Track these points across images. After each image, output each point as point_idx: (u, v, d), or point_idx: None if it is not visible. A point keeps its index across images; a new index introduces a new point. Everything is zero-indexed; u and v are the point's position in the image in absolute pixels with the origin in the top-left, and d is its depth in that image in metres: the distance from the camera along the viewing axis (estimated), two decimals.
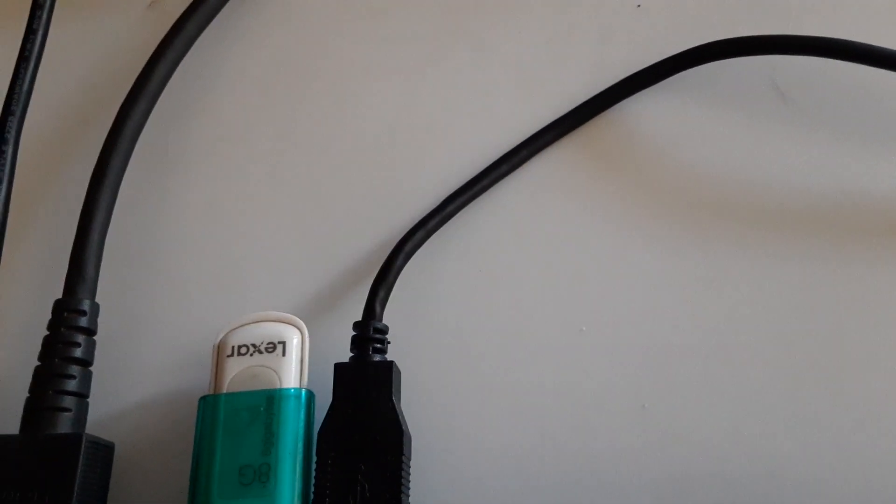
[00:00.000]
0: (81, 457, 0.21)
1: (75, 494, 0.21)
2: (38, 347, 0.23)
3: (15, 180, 0.25)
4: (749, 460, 0.23)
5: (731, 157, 0.27)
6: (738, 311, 0.25)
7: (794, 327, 0.24)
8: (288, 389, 0.22)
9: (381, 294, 0.24)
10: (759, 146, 0.27)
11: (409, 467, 0.22)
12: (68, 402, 0.22)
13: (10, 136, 0.25)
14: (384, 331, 0.24)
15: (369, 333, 0.24)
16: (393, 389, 0.23)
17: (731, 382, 0.24)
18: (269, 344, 0.23)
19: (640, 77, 0.27)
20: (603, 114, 0.27)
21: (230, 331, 0.23)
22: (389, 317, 0.24)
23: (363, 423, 0.22)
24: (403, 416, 0.23)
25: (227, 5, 0.29)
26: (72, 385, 0.23)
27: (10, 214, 0.24)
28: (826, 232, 0.25)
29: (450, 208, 0.26)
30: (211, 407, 0.22)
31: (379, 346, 0.24)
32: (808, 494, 0.23)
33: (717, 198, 0.26)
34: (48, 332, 0.23)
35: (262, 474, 0.21)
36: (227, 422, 0.22)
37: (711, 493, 0.23)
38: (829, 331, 0.24)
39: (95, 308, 0.24)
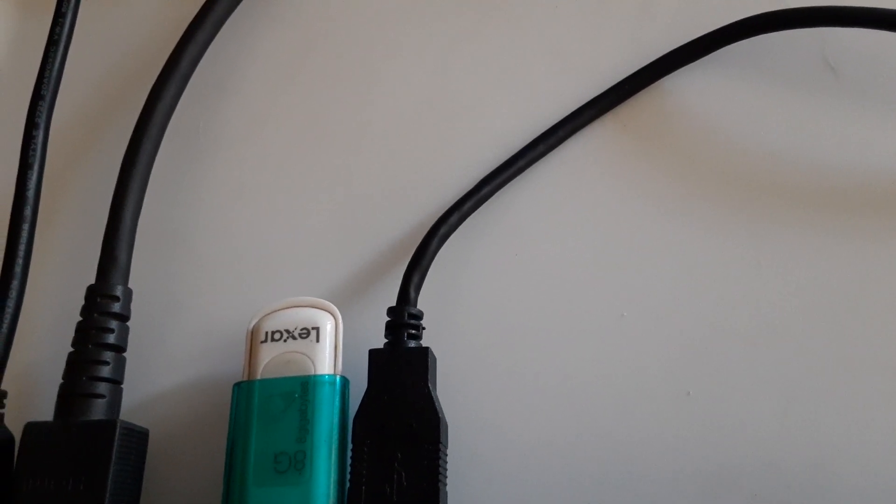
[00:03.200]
0: (116, 443, 0.21)
1: (110, 481, 0.21)
2: (71, 333, 0.23)
3: (46, 165, 0.25)
4: (798, 449, 0.22)
5: (780, 135, 0.25)
6: (786, 293, 0.24)
7: (845, 310, 0.23)
8: (322, 376, 0.22)
9: (416, 279, 0.24)
10: (809, 123, 0.25)
11: (446, 455, 0.22)
12: (102, 388, 0.22)
13: (41, 121, 0.25)
14: (419, 316, 0.24)
15: (404, 319, 0.23)
16: (429, 376, 0.22)
17: (779, 368, 0.23)
18: (302, 329, 0.22)
19: (683, 52, 0.26)
20: (644, 91, 0.26)
21: (263, 316, 0.23)
22: (423, 302, 0.24)
23: (399, 411, 0.22)
24: (440, 404, 0.22)
25: None
26: (106, 371, 0.22)
27: (41, 199, 0.24)
28: (879, 212, 0.24)
29: (485, 190, 0.25)
30: (245, 393, 0.22)
31: (414, 331, 0.23)
32: (858, 484, 0.22)
33: (764, 177, 0.25)
34: (81, 318, 0.23)
35: (297, 462, 0.21)
36: (262, 408, 0.22)
37: (759, 482, 0.22)
38: (882, 314, 0.23)
39: (128, 293, 0.24)
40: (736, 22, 0.26)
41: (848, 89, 0.26)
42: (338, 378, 0.22)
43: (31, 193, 0.24)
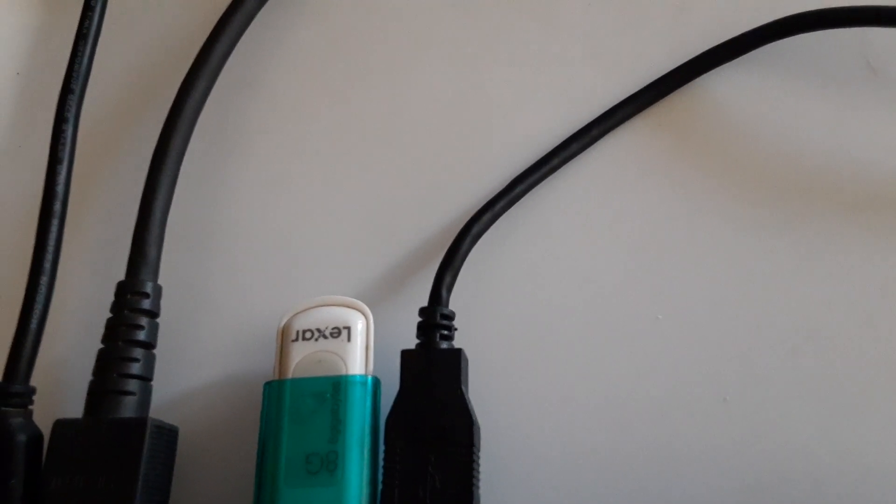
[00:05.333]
0: (146, 442, 0.21)
1: (140, 480, 0.21)
2: (100, 330, 0.23)
3: (75, 160, 0.24)
4: (840, 461, 0.22)
5: (820, 136, 0.25)
6: (828, 299, 0.23)
7: (889, 317, 0.23)
8: (354, 376, 0.22)
9: (448, 279, 0.24)
10: (850, 124, 0.25)
11: (479, 459, 0.22)
12: (132, 385, 0.22)
13: (70, 116, 0.25)
14: (451, 317, 0.23)
15: (436, 320, 0.23)
16: (462, 378, 0.22)
17: (820, 376, 0.23)
18: (333, 329, 0.22)
19: (721, 50, 0.26)
20: (681, 89, 0.26)
21: (294, 315, 0.23)
22: (454, 302, 0.23)
23: (432, 413, 0.21)
24: (472, 406, 0.22)
25: None
26: (136, 368, 0.22)
27: (71, 195, 0.24)
28: None
29: (518, 189, 0.25)
30: (276, 392, 0.22)
31: (446, 332, 0.23)
32: None
33: (804, 179, 0.25)
34: (111, 315, 0.23)
35: (329, 462, 0.21)
36: (293, 408, 0.21)
37: (798, 494, 0.22)
38: None
39: (158, 290, 0.23)
40: (775, 21, 0.25)
41: (889, 90, 0.25)
42: (369, 378, 0.22)
43: (60, 188, 0.24)
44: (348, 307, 0.23)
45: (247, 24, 0.27)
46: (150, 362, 0.23)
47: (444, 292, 0.23)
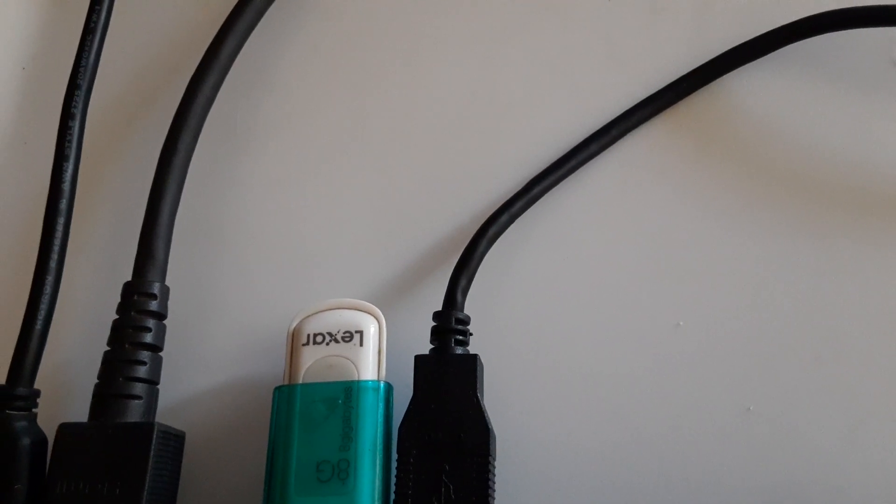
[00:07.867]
0: (153, 447, 0.20)
1: (146, 486, 0.20)
2: (106, 331, 0.22)
3: (82, 157, 0.24)
4: (866, 472, 0.21)
5: (845, 138, 0.24)
6: (854, 306, 0.23)
7: None
8: (367, 381, 0.21)
9: (463, 282, 0.23)
10: (877, 126, 0.24)
11: (495, 468, 0.21)
12: (139, 389, 0.21)
13: (77, 112, 0.24)
14: (466, 321, 0.23)
15: (451, 324, 0.22)
16: (477, 385, 0.21)
17: (846, 384, 0.22)
18: (345, 333, 0.22)
19: (744, 49, 0.25)
20: (702, 89, 0.25)
21: (305, 318, 0.22)
22: (470, 306, 0.23)
23: (447, 421, 0.21)
24: (488, 414, 0.21)
25: None
26: (142, 371, 0.22)
27: (77, 193, 0.24)
28: None
29: (535, 190, 0.24)
30: (286, 398, 0.21)
31: (461, 337, 0.22)
32: None
33: (829, 182, 0.24)
34: (117, 316, 0.22)
35: (340, 471, 0.20)
36: (304, 414, 0.21)
37: None
38: None
39: (165, 291, 0.23)
40: (801, 19, 0.25)
41: None
42: (382, 384, 0.21)
43: (66, 186, 0.23)
44: (360, 310, 0.22)
45: (257, 19, 0.26)
46: (156, 365, 0.22)
47: (459, 296, 0.23)
